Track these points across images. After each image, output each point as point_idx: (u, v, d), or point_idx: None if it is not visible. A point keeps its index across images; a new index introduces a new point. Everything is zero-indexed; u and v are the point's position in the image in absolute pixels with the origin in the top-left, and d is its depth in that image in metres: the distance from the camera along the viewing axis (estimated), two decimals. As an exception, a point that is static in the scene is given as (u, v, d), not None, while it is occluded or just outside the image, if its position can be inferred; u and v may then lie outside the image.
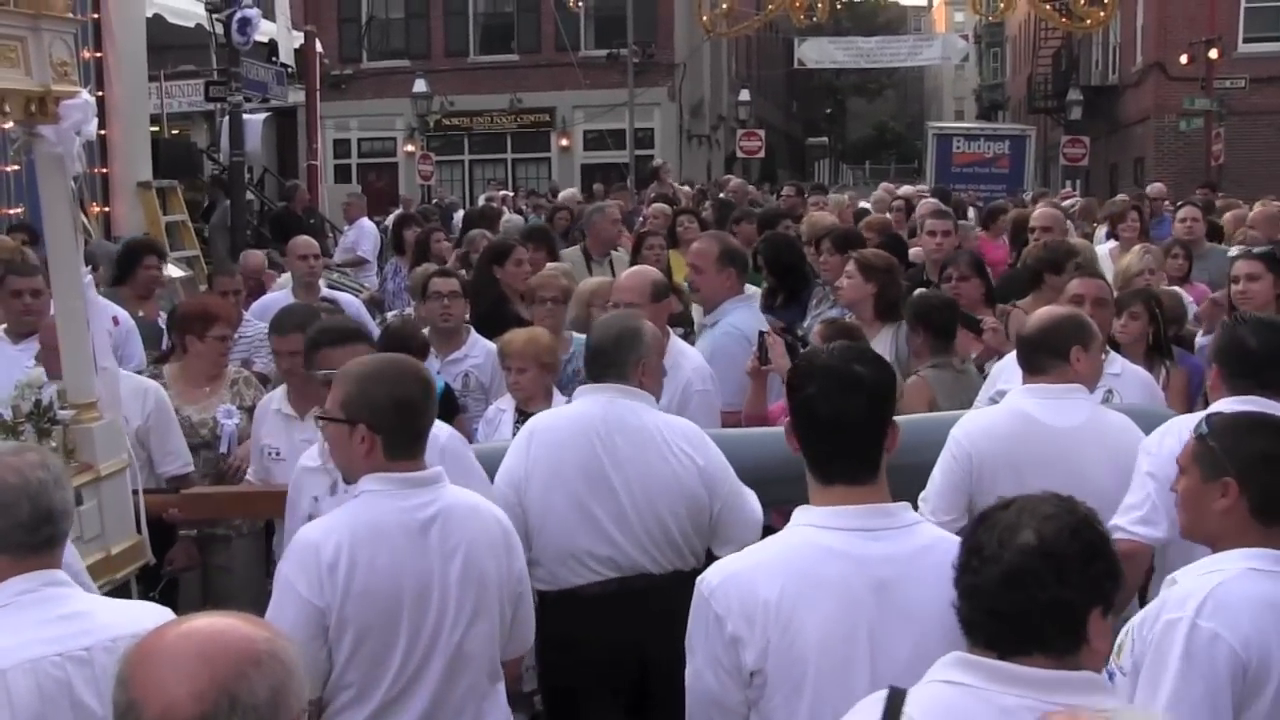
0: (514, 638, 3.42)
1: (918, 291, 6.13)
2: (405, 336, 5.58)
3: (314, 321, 5.20)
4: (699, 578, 2.72)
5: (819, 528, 2.64)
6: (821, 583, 2.57)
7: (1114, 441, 3.89)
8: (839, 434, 2.67)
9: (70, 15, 4.43)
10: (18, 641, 2.58)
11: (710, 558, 4.16)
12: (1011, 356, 5.09)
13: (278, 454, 5.07)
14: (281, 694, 1.71)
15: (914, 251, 8.57)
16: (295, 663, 1.77)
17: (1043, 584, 2.15)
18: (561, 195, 10.80)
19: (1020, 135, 27.20)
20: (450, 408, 5.56)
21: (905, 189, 17.23)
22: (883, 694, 2.24)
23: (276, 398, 5.25)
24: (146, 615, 2.57)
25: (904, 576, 2.59)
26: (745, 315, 5.85)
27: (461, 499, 3.31)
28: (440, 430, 3.90)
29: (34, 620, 2.61)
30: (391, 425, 3.18)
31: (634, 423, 4.04)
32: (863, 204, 14.48)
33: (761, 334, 5.35)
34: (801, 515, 2.69)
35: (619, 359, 4.17)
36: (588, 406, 4.13)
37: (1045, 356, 3.98)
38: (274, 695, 1.70)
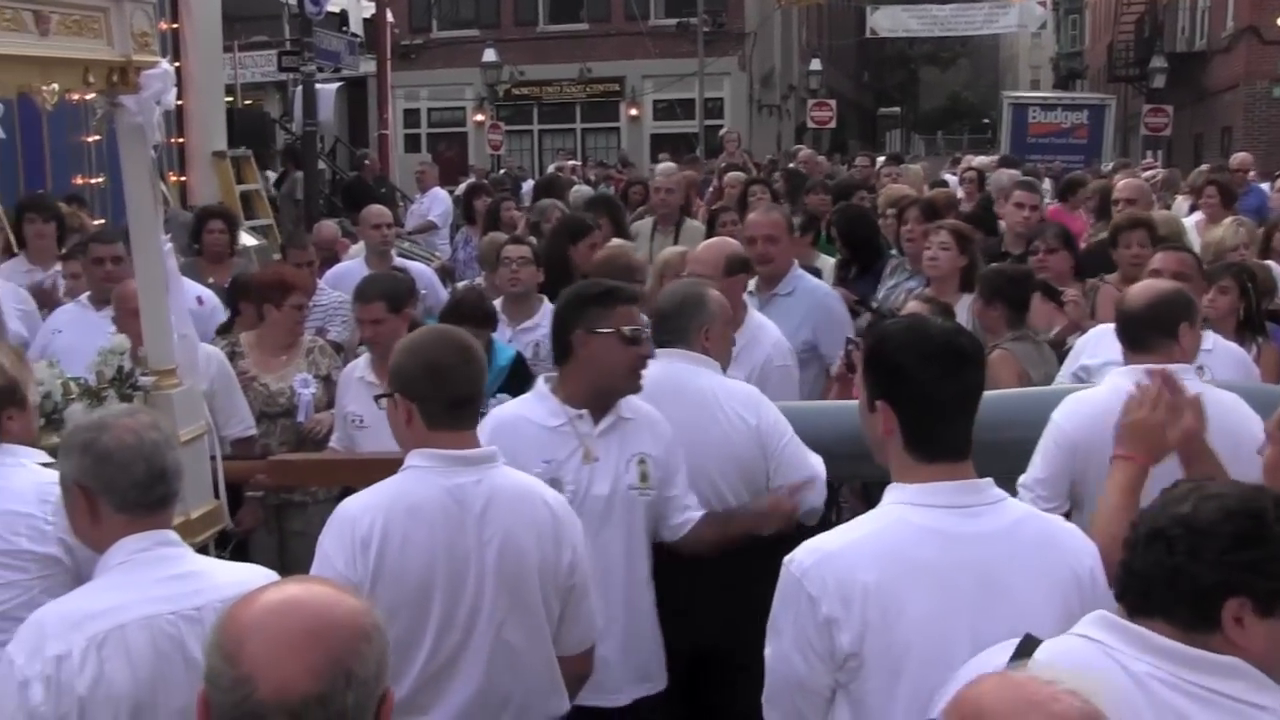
0: (566, 635, 3.24)
1: (993, 265, 6.05)
2: (467, 305, 5.56)
3: (397, 289, 5.25)
4: (787, 558, 2.60)
5: (914, 505, 2.57)
6: (920, 563, 2.51)
7: (1227, 421, 3.65)
8: (953, 410, 2.61)
9: (151, -15, 4.45)
10: (135, 598, 2.65)
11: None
12: (1094, 331, 4.99)
13: (361, 421, 5.16)
14: (384, 665, 1.73)
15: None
16: (386, 631, 1.78)
17: (1174, 550, 2.15)
18: (660, 168, 10.69)
19: (1099, 104, 26.73)
20: (523, 378, 5.56)
21: (979, 160, 16.99)
22: (1014, 640, 2.22)
23: (360, 366, 5.32)
24: (255, 578, 2.58)
25: (1000, 553, 2.54)
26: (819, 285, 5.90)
27: (511, 481, 3.18)
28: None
29: (149, 579, 2.67)
30: (424, 392, 3.13)
31: (688, 386, 4.02)
32: (945, 175, 14.29)
33: (849, 341, 5.30)
34: (894, 494, 2.62)
35: (681, 325, 4.19)
36: (648, 371, 4.12)
37: (1152, 334, 3.78)
38: (379, 668, 1.72)
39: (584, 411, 3.78)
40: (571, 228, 7.22)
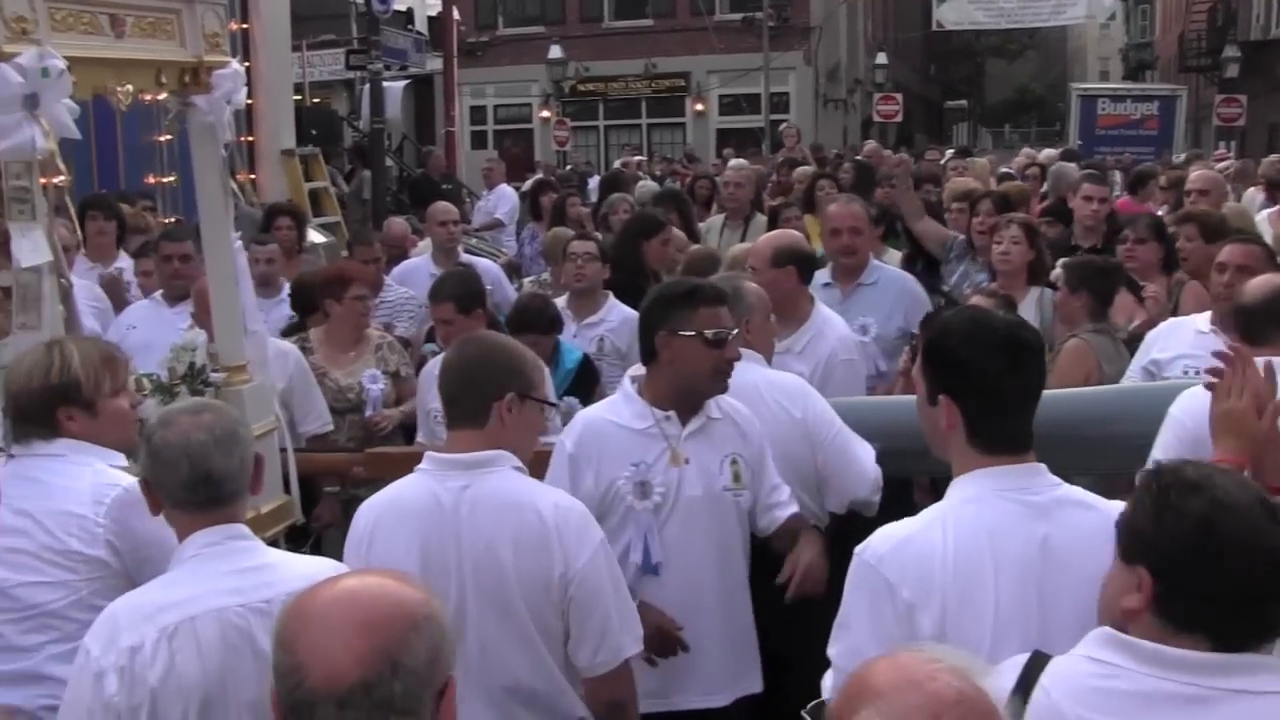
0: (577, 651, 3.12)
1: (1083, 255, 5.99)
2: (531, 312, 5.56)
3: (466, 291, 5.25)
4: (858, 548, 2.56)
5: (980, 494, 2.56)
6: (992, 545, 2.49)
7: None
8: (1016, 404, 2.60)
9: (221, -14, 4.52)
10: (205, 591, 2.68)
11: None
12: (1166, 324, 4.91)
13: (439, 416, 5.18)
14: (438, 655, 1.73)
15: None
16: (448, 623, 1.78)
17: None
18: (730, 164, 10.68)
19: (1170, 95, 26.31)
20: (590, 380, 5.58)
21: (1046, 152, 16.80)
22: (1024, 657, 2.21)
23: (440, 362, 5.32)
24: (325, 571, 2.56)
25: (1063, 533, 2.53)
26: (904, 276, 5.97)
27: (501, 487, 3.11)
28: None
29: (220, 571, 2.71)
30: (447, 393, 3.23)
31: (732, 380, 3.95)
32: (1003, 169, 14.15)
33: (911, 335, 5.27)
34: (959, 488, 2.60)
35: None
36: None
37: (1270, 326, 3.69)
38: (431, 657, 1.72)
39: (671, 413, 3.74)
40: (644, 224, 7.23)
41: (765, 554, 3.92)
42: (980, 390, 2.58)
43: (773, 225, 8.01)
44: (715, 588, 3.74)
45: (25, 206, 3.67)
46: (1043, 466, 2.61)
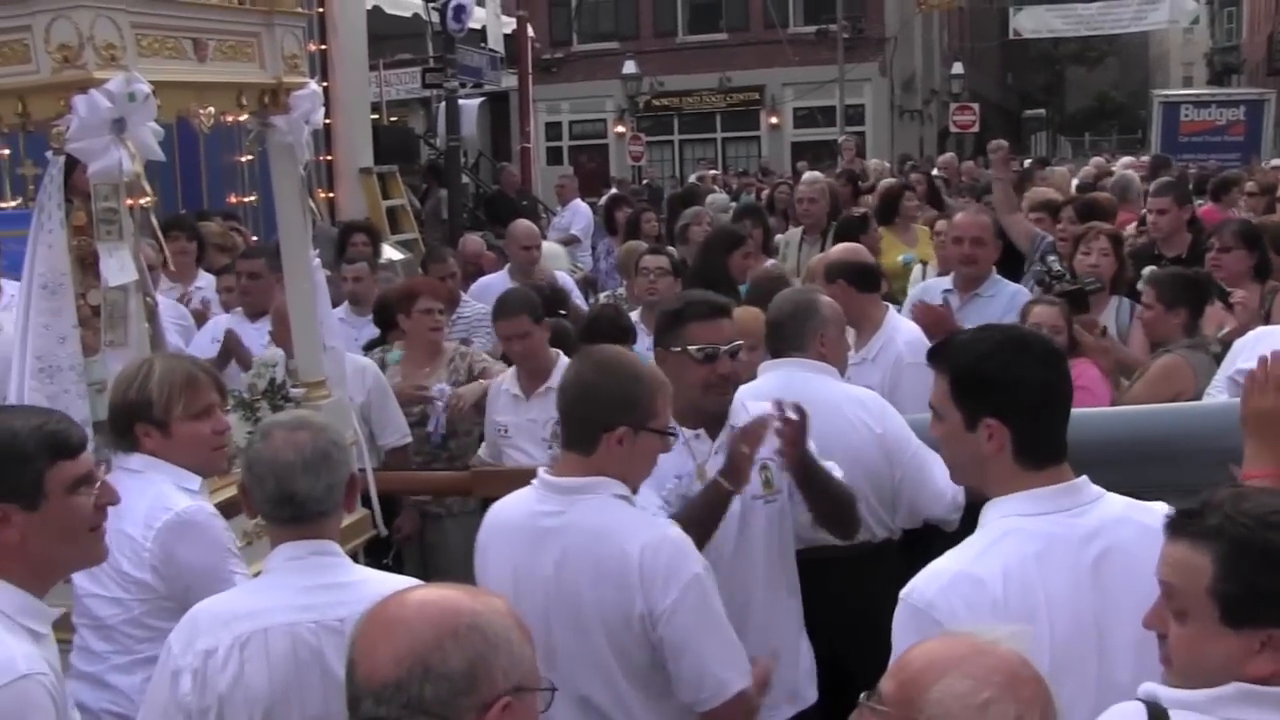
0: (678, 690, 3.06)
1: (1170, 268, 5.89)
2: (603, 322, 5.62)
3: (533, 303, 5.31)
4: (904, 592, 2.51)
5: (1024, 516, 2.52)
6: (1043, 570, 2.45)
7: None
8: (1063, 412, 2.60)
9: (300, 10, 4.62)
10: (281, 604, 2.74)
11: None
12: (1254, 333, 4.81)
13: (505, 431, 5.24)
14: (481, 666, 1.74)
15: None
16: (501, 639, 1.77)
17: None
18: (804, 177, 10.62)
19: (1258, 100, 25.67)
20: None
21: (1122, 160, 16.57)
22: (1140, 709, 2.05)
23: (508, 378, 5.41)
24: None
25: (1112, 553, 2.49)
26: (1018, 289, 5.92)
27: (595, 518, 3.05)
28: None
29: (299, 586, 2.75)
30: (562, 411, 3.22)
31: (812, 395, 3.92)
32: (1075, 180, 13.97)
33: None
34: (1000, 508, 2.55)
35: (796, 332, 4.19)
36: (767, 382, 4.10)
37: None
38: (471, 667, 1.73)
39: (700, 431, 3.74)
40: (728, 238, 7.23)
41: (826, 562, 3.91)
42: (1034, 405, 2.56)
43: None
44: (760, 604, 3.71)
45: (113, 227, 3.76)
46: (1083, 480, 2.57)
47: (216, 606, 2.81)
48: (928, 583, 2.49)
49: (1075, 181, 13.74)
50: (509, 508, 3.22)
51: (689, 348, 3.67)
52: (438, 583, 1.92)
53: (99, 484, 2.52)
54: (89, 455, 2.54)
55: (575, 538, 3.05)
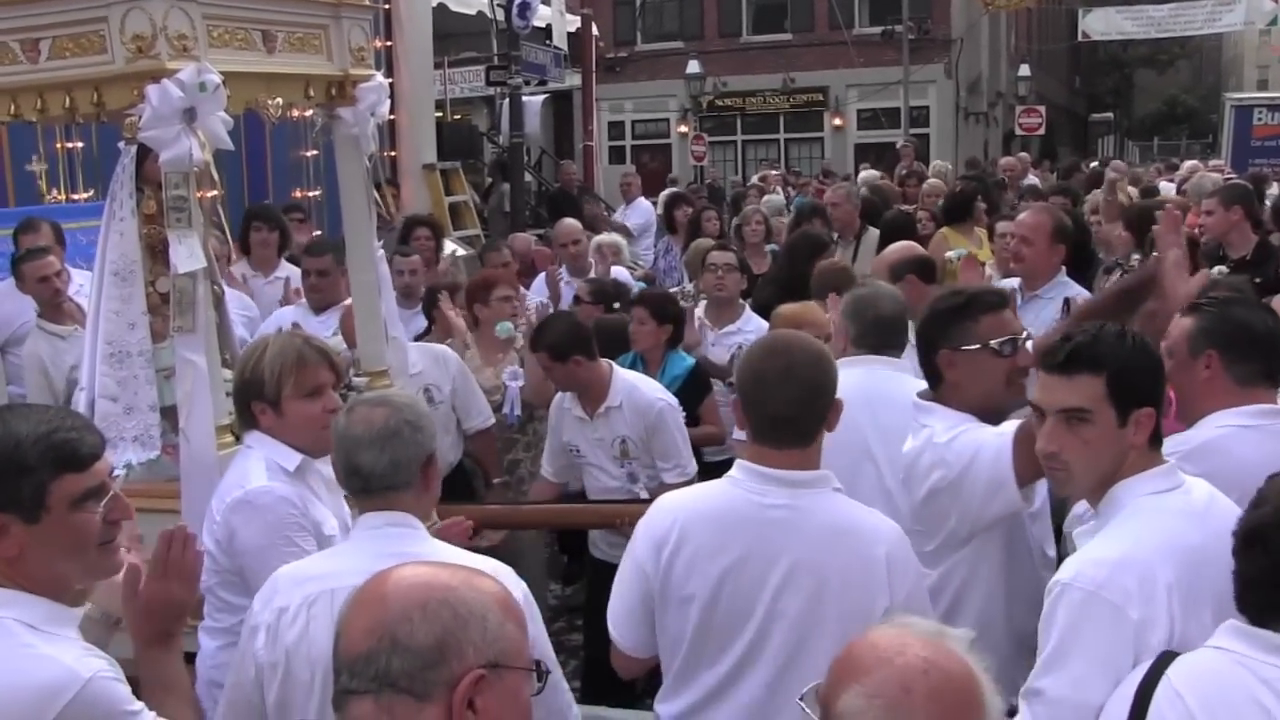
0: None
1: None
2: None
3: (576, 341, 5.12)
4: (1066, 578, 2.51)
5: (1159, 493, 2.59)
6: (1201, 550, 2.50)
7: None
8: None
9: (367, 3, 4.68)
10: (351, 568, 2.72)
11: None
12: None
13: (578, 451, 5.28)
14: (450, 641, 1.73)
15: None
16: (473, 614, 1.76)
17: (1269, 549, 2.18)
18: (861, 177, 10.69)
19: (1333, 103, 25.20)
20: (697, 388, 5.61)
21: (1187, 164, 16.37)
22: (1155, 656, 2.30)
23: (569, 397, 5.30)
24: (479, 564, 2.58)
25: (1218, 517, 2.56)
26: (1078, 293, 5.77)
27: (833, 512, 2.99)
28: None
29: (372, 553, 2.75)
30: (750, 402, 3.05)
31: (897, 391, 3.89)
32: (1159, 183, 13.79)
33: (1067, 300, 5.26)
34: (1133, 488, 2.64)
35: (900, 330, 4.19)
36: (851, 379, 4.07)
37: None
38: (439, 641, 1.73)
39: None
40: (812, 243, 7.22)
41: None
42: (1163, 391, 2.82)
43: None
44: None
45: (183, 215, 3.84)
46: (1171, 461, 2.74)
47: (295, 569, 2.93)
48: (1094, 566, 2.50)
49: (1151, 184, 13.58)
50: (716, 498, 3.05)
51: (990, 343, 3.40)
52: (430, 560, 1.92)
53: (110, 497, 2.40)
54: (103, 465, 2.42)
55: (819, 534, 2.94)
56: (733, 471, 3.06)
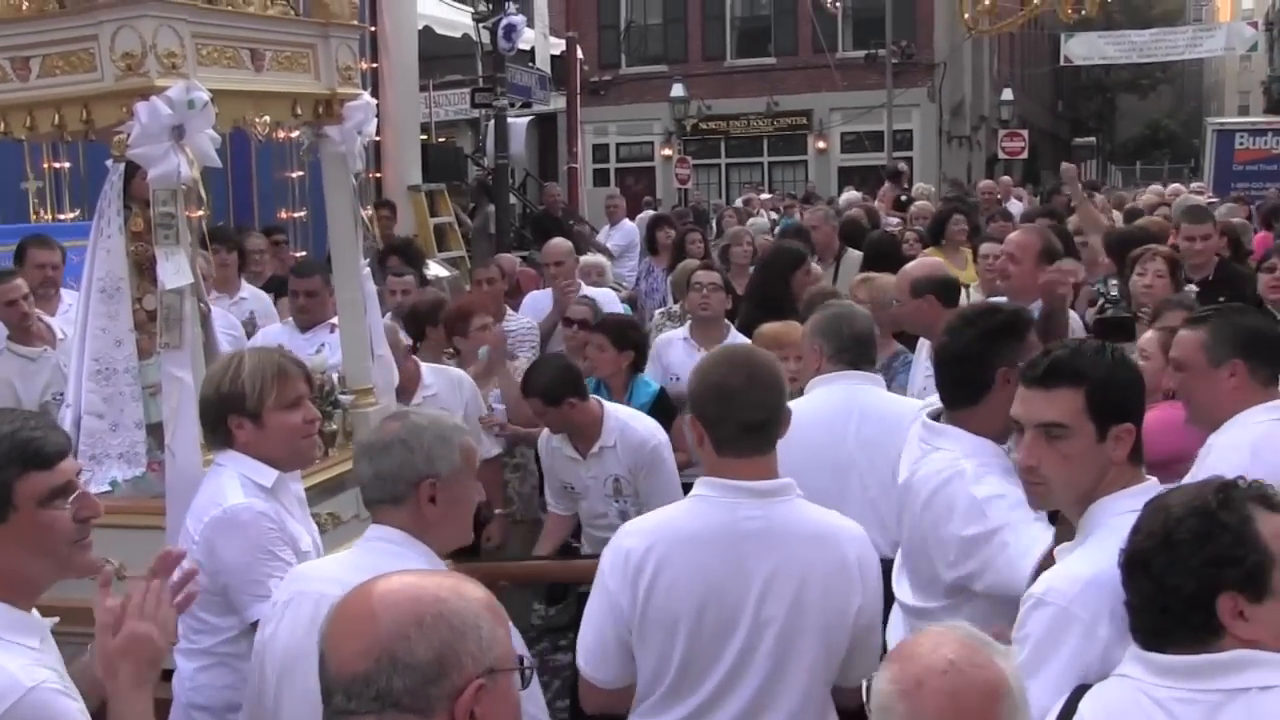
0: (848, 671, 3.06)
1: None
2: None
3: (562, 376, 5.11)
4: (1039, 591, 2.53)
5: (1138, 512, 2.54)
6: None
7: None
8: None
9: (355, 23, 4.71)
10: (330, 575, 2.78)
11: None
12: None
13: (572, 489, 5.21)
14: (449, 654, 1.73)
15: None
16: (468, 625, 1.76)
17: (1150, 572, 2.22)
18: (843, 199, 10.90)
19: (1315, 128, 25.43)
20: (665, 412, 5.61)
21: (1172, 187, 16.50)
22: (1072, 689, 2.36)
23: (556, 438, 5.21)
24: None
25: None
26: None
27: (803, 518, 3.01)
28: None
29: (352, 564, 2.77)
30: (712, 416, 3.01)
31: (877, 405, 3.99)
32: (1129, 205, 13.89)
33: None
34: (1113, 505, 2.61)
35: (872, 346, 4.35)
36: (833, 394, 4.14)
37: None
38: (439, 656, 1.72)
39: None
40: (789, 257, 7.27)
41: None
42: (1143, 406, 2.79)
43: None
44: None
45: (170, 231, 3.85)
46: (1153, 479, 2.72)
47: (300, 569, 3.02)
48: (1064, 580, 2.51)
49: (1135, 206, 13.68)
50: (685, 518, 3.03)
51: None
52: (405, 570, 1.91)
53: (78, 495, 2.40)
54: (69, 465, 2.42)
55: (794, 543, 2.96)
56: (698, 489, 3.04)
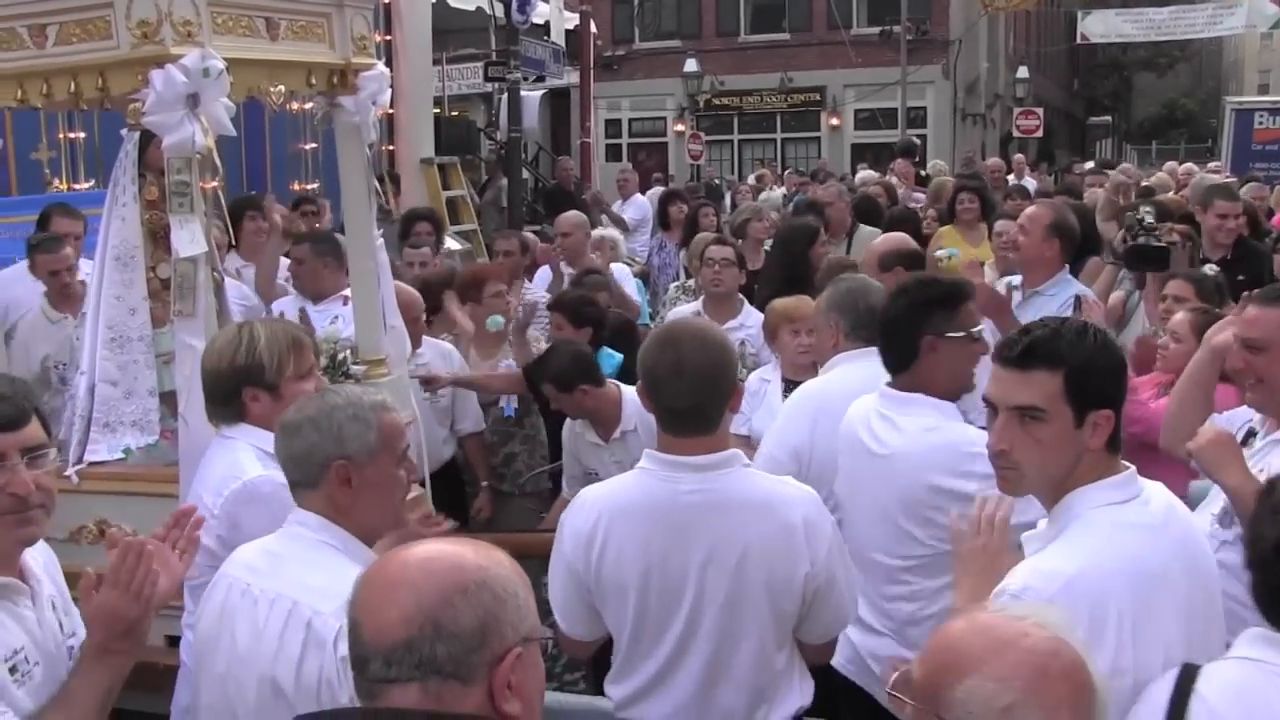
0: (809, 629, 3.13)
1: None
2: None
3: (580, 371, 5.03)
4: (1012, 590, 2.41)
5: (1115, 505, 2.49)
6: (1162, 572, 2.44)
7: None
8: None
9: (369, -7, 4.71)
10: (249, 558, 2.80)
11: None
12: None
13: (596, 475, 5.19)
14: (492, 622, 1.73)
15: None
16: (509, 593, 1.77)
17: None
18: (859, 177, 10.87)
19: (1336, 106, 25.19)
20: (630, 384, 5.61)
21: (1186, 166, 16.39)
22: (1175, 670, 2.19)
23: (579, 423, 5.19)
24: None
25: (1186, 539, 2.55)
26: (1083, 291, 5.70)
27: (744, 489, 3.04)
28: None
29: (264, 549, 2.80)
30: (652, 399, 3.06)
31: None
32: (1144, 184, 13.80)
33: (1077, 298, 5.15)
34: (1088, 497, 2.51)
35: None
36: (860, 372, 4.08)
37: None
38: (482, 624, 1.73)
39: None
40: (805, 232, 7.26)
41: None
42: (1123, 393, 2.62)
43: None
44: None
45: (185, 199, 3.86)
46: (1131, 468, 2.59)
47: (243, 549, 2.89)
48: (1045, 581, 2.40)
49: (1149, 184, 13.60)
50: (631, 491, 3.08)
51: (971, 330, 3.60)
52: (434, 540, 1.89)
53: (10, 469, 2.37)
54: (7, 440, 2.39)
55: (733, 513, 3.00)
56: (643, 462, 3.10)
